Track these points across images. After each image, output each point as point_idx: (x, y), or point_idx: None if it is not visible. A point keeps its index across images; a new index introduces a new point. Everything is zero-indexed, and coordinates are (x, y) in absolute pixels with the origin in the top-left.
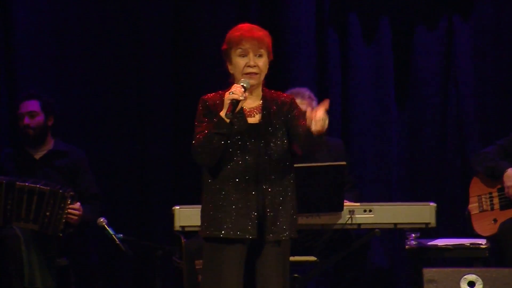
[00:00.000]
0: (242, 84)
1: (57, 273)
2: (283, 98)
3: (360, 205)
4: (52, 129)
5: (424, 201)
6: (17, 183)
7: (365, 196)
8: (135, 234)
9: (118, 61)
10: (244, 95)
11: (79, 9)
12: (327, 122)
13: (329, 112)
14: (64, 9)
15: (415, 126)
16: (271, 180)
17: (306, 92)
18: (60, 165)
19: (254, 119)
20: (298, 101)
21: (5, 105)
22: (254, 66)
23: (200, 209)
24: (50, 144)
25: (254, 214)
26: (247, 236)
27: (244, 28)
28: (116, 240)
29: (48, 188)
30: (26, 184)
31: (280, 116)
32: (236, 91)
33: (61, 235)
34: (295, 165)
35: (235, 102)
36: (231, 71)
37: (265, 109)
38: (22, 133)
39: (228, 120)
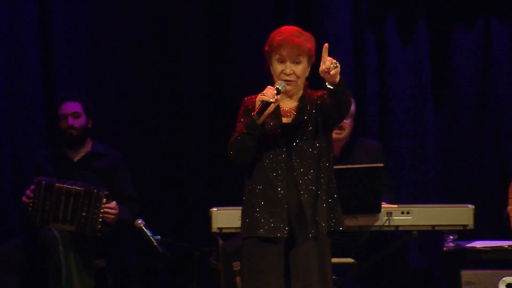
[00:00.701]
0: (277, 86)
1: (95, 275)
2: (317, 93)
3: (398, 207)
4: (91, 131)
5: (462, 202)
6: (56, 184)
7: (403, 197)
8: (172, 235)
9: (154, 61)
10: (276, 98)
11: (116, 8)
12: (335, 64)
13: (366, 113)
14: (101, 9)
15: (453, 127)
16: (303, 178)
17: None
18: (98, 167)
19: (289, 119)
20: None
21: (43, 107)
22: (291, 73)
23: (238, 210)
24: (88, 146)
25: (286, 213)
26: (279, 235)
27: (286, 32)
28: (154, 241)
29: (83, 188)
30: (65, 185)
31: (314, 112)
32: (267, 93)
33: (98, 235)
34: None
35: (264, 104)
36: (272, 72)
37: (300, 109)
38: (65, 134)
39: (257, 121)
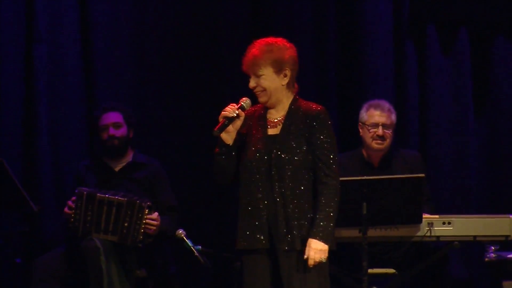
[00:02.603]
0: (242, 103)
1: (136, 285)
2: (310, 110)
3: (439, 217)
4: (132, 141)
5: (504, 213)
6: (98, 194)
7: (443, 208)
8: (214, 245)
9: (196, 69)
10: (237, 112)
11: (158, 15)
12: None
13: (406, 124)
14: (142, 17)
15: (494, 137)
16: (284, 190)
17: (386, 104)
18: (139, 177)
19: (274, 131)
20: (377, 113)
21: (84, 117)
22: (255, 87)
23: None
24: (129, 156)
25: (265, 225)
26: (258, 247)
27: (250, 47)
28: (195, 252)
29: (125, 199)
30: (106, 196)
31: (303, 128)
32: (227, 108)
33: (140, 245)
34: (373, 177)
35: (226, 120)
36: None
37: (287, 120)
38: (106, 144)
39: (224, 138)
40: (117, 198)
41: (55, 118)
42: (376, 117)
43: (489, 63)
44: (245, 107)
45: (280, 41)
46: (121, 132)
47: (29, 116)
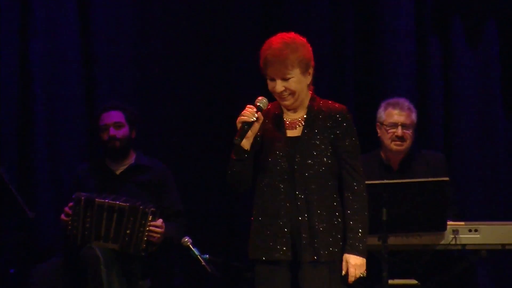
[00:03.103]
0: (258, 104)
1: None
2: (333, 110)
3: (465, 224)
4: (134, 142)
5: None
6: (97, 199)
7: (470, 214)
8: (222, 254)
9: (203, 66)
10: (256, 116)
11: (161, 11)
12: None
13: (429, 123)
14: (145, 12)
15: None
16: (308, 197)
17: (406, 103)
18: (143, 181)
19: (294, 132)
20: (396, 112)
21: (84, 117)
22: (282, 90)
23: None
24: (131, 158)
25: (288, 234)
26: (280, 258)
27: (271, 47)
28: (202, 261)
29: (128, 204)
30: (106, 201)
31: (326, 129)
32: (246, 113)
33: (143, 254)
34: (392, 181)
35: (245, 125)
36: None
37: (309, 121)
38: (107, 145)
39: (245, 145)
40: (119, 203)
41: (52, 118)
42: (395, 116)
43: None
44: (262, 107)
45: (298, 38)
46: (123, 132)
47: (24, 116)
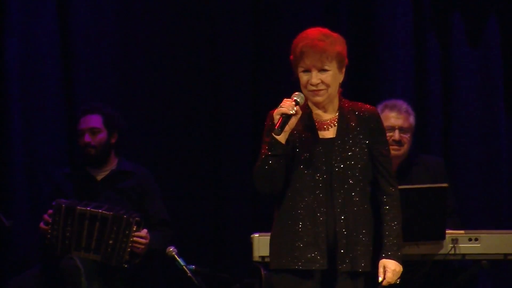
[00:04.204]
0: (295, 98)
1: None
2: (365, 112)
3: (465, 233)
4: (115, 146)
5: None
6: (78, 207)
7: (470, 222)
8: (209, 265)
9: (190, 68)
10: (295, 109)
11: (145, 6)
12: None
13: (428, 126)
14: (128, 7)
15: None
16: (346, 203)
17: (403, 105)
18: (125, 187)
19: (327, 134)
20: (393, 115)
21: (63, 119)
22: (318, 83)
23: None
24: (113, 164)
25: (324, 243)
26: (315, 267)
27: (308, 37)
28: (188, 272)
29: (111, 213)
30: (88, 209)
31: (360, 131)
32: (285, 104)
33: (126, 266)
34: None
35: (285, 117)
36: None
37: (342, 122)
38: (83, 152)
39: (281, 139)
40: (101, 212)
41: (29, 121)
42: (392, 119)
43: None
44: (300, 103)
45: (335, 33)
46: (99, 138)
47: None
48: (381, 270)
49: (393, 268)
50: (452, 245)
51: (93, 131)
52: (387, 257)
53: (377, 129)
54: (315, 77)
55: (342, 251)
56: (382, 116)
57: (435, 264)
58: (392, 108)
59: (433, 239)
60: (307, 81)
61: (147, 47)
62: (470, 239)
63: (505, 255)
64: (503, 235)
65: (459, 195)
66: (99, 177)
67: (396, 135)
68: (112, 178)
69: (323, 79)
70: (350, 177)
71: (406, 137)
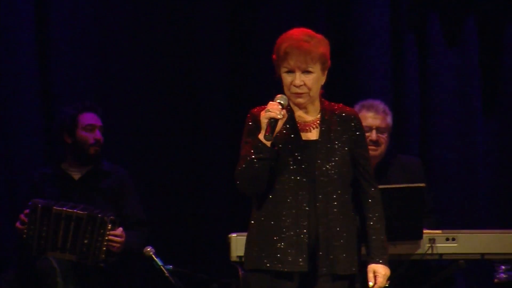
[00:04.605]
0: (279, 100)
1: None
2: (346, 114)
3: (442, 233)
4: None
5: None
6: (54, 207)
7: (447, 222)
8: (187, 265)
9: (167, 68)
10: (282, 113)
11: (122, 6)
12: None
13: (405, 126)
14: (106, 4)
15: (506, 140)
16: (328, 205)
17: (381, 105)
18: (103, 187)
19: (310, 135)
20: (370, 115)
21: (40, 116)
22: (301, 85)
23: None
24: (91, 164)
25: (305, 244)
26: (296, 269)
27: (293, 37)
28: (165, 272)
29: (86, 213)
30: (64, 209)
31: (342, 134)
32: (272, 108)
33: (102, 265)
34: None
35: (273, 121)
36: (282, 83)
37: (324, 124)
38: (88, 149)
39: (268, 143)
40: (76, 212)
41: (6, 120)
42: (369, 119)
43: (499, 55)
44: (284, 105)
45: (318, 34)
46: (102, 138)
47: None
48: (371, 275)
49: (383, 273)
50: (429, 245)
51: (101, 129)
52: (376, 262)
53: (358, 131)
54: (299, 78)
55: (322, 253)
56: (360, 115)
57: (412, 264)
58: (369, 108)
59: (410, 239)
60: (291, 82)
61: (125, 46)
62: (447, 239)
63: (482, 254)
64: (480, 235)
65: (436, 195)
66: (76, 176)
67: (374, 135)
68: (90, 177)
69: (306, 81)
70: (333, 179)
71: (383, 137)
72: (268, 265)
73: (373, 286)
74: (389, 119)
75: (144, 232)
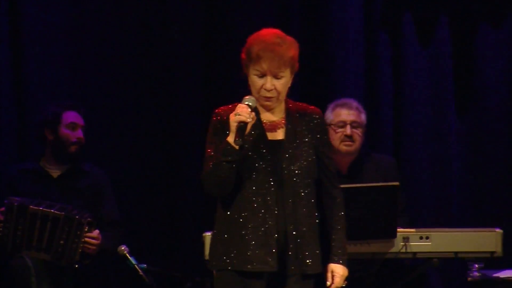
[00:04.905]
0: (247, 103)
1: None
2: (310, 113)
3: (416, 231)
4: None
5: (489, 226)
6: (30, 206)
7: (421, 221)
8: (160, 264)
9: (142, 66)
10: (252, 116)
11: (97, 5)
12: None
13: (379, 125)
14: (79, 6)
15: (479, 138)
16: (295, 205)
17: (354, 103)
18: (80, 186)
19: (276, 135)
20: (344, 111)
21: (14, 113)
22: (271, 89)
23: None
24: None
25: (274, 244)
26: (267, 270)
27: (266, 40)
28: (139, 270)
29: (63, 213)
30: (40, 208)
31: (307, 133)
32: (242, 112)
33: (76, 266)
34: (341, 186)
35: (243, 125)
36: (249, 83)
37: (290, 123)
38: (69, 147)
39: (237, 147)
40: (53, 212)
41: None
42: (343, 115)
43: (472, 55)
44: (253, 107)
45: (288, 36)
46: (82, 134)
47: None
48: (329, 275)
49: (341, 273)
50: (403, 244)
51: (83, 129)
52: (335, 262)
53: (322, 130)
54: (270, 82)
55: (291, 253)
56: (334, 113)
57: (386, 262)
58: (343, 105)
59: (384, 238)
60: (261, 86)
61: (99, 45)
62: (421, 237)
63: (456, 253)
64: (453, 233)
65: (410, 194)
66: (55, 174)
67: (348, 130)
68: (68, 176)
69: (277, 86)
70: (300, 178)
71: (358, 132)
72: (237, 265)
73: (330, 285)
74: (363, 116)
75: (118, 232)
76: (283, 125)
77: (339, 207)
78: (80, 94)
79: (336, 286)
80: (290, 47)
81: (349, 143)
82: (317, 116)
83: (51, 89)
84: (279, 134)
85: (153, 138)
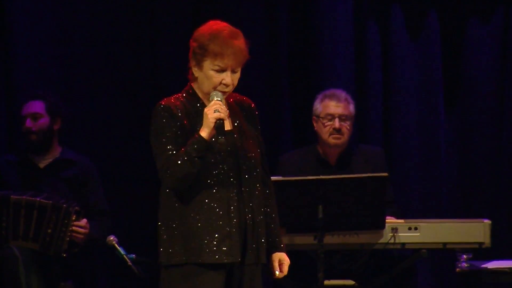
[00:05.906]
0: (218, 99)
1: None
2: (244, 103)
3: (405, 222)
4: (59, 134)
5: (478, 217)
6: (12, 196)
7: (410, 212)
8: (149, 254)
9: (130, 59)
10: (227, 111)
11: (87, 7)
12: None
13: (368, 116)
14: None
15: (467, 130)
16: (251, 195)
17: (342, 94)
18: (68, 176)
19: (226, 126)
20: (332, 104)
21: (3, 105)
22: (229, 85)
23: None
24: (56, 152)
25: (237, 234)
26: (227, 260)
27: (224, 35)
28: (128, 261)
29: (50, 202)
30: (23, 197)
31: (248, 122)
32: (220, 109)
33: (64, 255)
34: (329, 177)
35: (221, 122)
36: (196, 75)
37: (233, 114)
38: (24, 138)
39: (205, 139)
40: (40, 200)
41: None
42: (332, 108)
43: (461, 48)
44: (223, 102)
45: (236, 28)
46: (40, 124)
47: None
48: (276, 264)
49: (288, 260)
50: (391, 234)
51: (35, 117)
52: (280, 250)
53: (257, 118)
54: (229, 77)
55: (250, 243)
56: (322, 104)
57: (374, 253)
58: (331, 97)
59: (372, 228)
60: (220, 81)
61: (87, 38)
62: (409, 228)
63: (444, 244)
64: (442, 224)
65: (399, 185)
66: (42, 164)
67: (336, 123)
68: (55, 166)
69: (233, 80)
70: (253, 168)
71: (346, 125)
72: (200, 257)
73: (279, 274)
74: (351, 108)
75: (106, 222)
76: (227, 116)
77: (273, 197)
78: (68, 85)
79: (284, 274)
80: (244, 42)
81: (338, 136)
82: (252, 106)
83: (40, 82)
84: (227, 125)
85: (142, 130)
